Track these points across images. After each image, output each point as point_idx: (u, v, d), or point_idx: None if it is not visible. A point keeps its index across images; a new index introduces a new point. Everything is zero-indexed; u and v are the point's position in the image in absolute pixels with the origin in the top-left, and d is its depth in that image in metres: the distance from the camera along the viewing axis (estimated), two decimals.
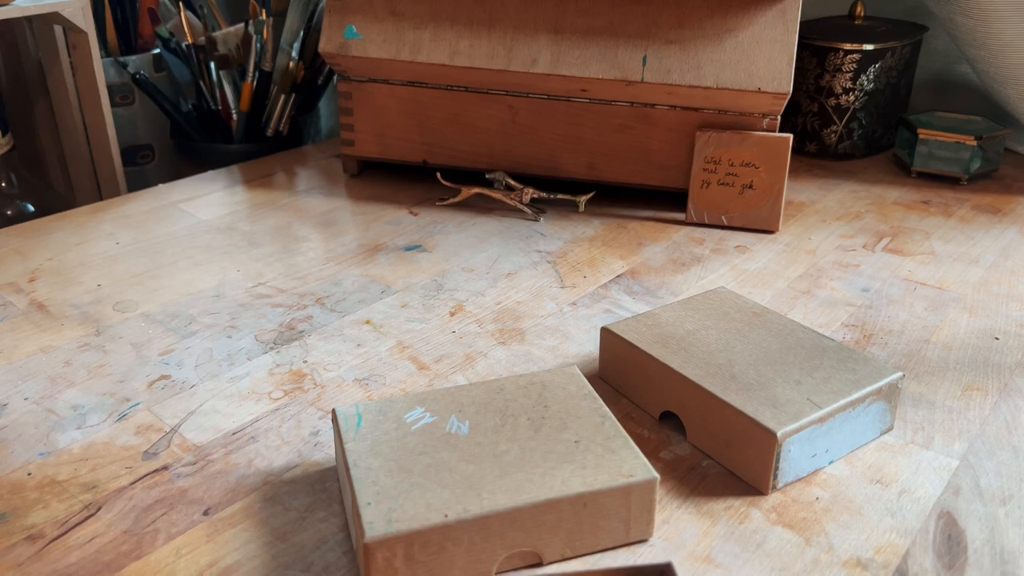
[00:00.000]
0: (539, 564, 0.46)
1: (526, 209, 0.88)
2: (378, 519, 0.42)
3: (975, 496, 0.51)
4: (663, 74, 0.81)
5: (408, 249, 0.81)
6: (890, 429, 0.56)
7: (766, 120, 0.84)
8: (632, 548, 0.47)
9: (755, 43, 0.81)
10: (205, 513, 0.49)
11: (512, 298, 0.73)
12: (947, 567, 0.46)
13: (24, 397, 0.59)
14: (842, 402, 0.51)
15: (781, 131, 1.01)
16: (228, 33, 1.16)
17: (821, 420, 0.51)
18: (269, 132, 1.13)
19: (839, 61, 1.00)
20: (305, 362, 0.63)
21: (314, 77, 1.19)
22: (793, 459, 0.50)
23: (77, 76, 1.06)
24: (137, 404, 0.59)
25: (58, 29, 1.05)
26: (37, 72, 1.12)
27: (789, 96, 0.80)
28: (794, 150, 1.07)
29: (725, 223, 0.86)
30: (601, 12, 0.83)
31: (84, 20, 1.01)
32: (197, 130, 1.17)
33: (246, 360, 0.64)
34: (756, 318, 0.60)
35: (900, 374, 0.54)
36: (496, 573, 0.45)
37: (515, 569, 0.45)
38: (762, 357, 0.56)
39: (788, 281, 0.76)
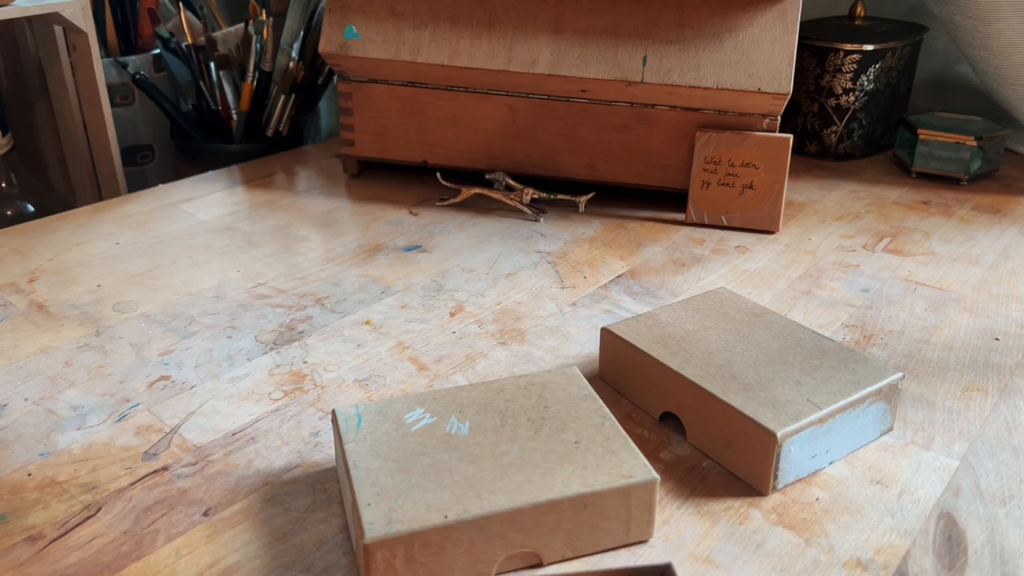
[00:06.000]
0: (539, 565, 0.46)
1: (526, 209, 0.88)
2: (378, 520, 0.42)
3: (975, 497, 0.51)
4: (663, 74, 0.81)
5: (408, 249, 0.81)
6: (890, 430, 0.56)
7: (766, 120, 0.84)
8: (632, 549, 0.47)
9: (755, 43, 0.81)
10: (205, 514, 0.49)
11: (512, 298, 0.73)
12: (947, 568, 0.46)
13: (24, 397, 0.59)
14: (842, 403, 0.51)
15: (781, 131, 1.01)
16: (228, 33, 1.16)
17: (821, 421, 0.51)
18: (269, 132, 1.13)
19: (839, 61, 1.00)
20: (305, 362, 0.63)
21: (314, 77, 1.19)
22: (793, 460, 0.50)
23: (77, 76, 1.06)
24: (137, 405, 0.59)
25: (58, 29, 1.05)
26: (37, 72, 1.12)
27: (789, 96, 0.80)
28: (794, 150, 1.07)
29: (725, 223, 0.86)
30: (601, 12, 0.83)
31: (84, 20, 1.01)
32: (197, 130, 1.17)
33: (246, 360, 0.64)
34: (756, 318, 0.60)
35: (900, 375, 0.54)
36: (496, 574, 0.45)
37: (515, 570, 0.45)
38: (762, 357, 0.56)
39: (788, 281, 0.76)
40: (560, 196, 0.89)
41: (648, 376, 0.57)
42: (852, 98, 1.01)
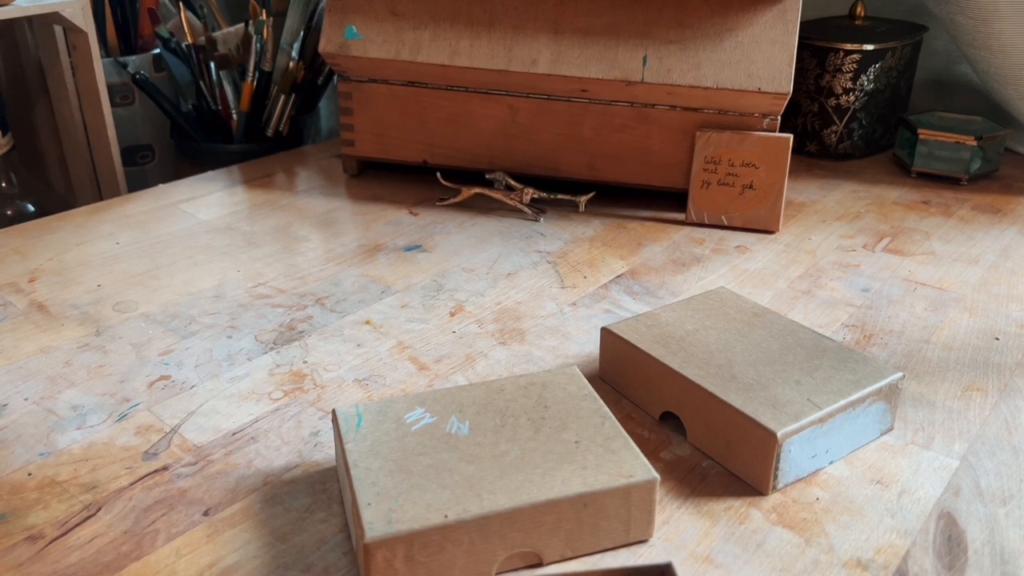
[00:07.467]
0: (539, 564, 0.46)
1: (526, 209, 0.88)
2: (378, 519, 0.42)
3: (975, 496, 0.51)
4: (663, 74, 0.81)
5: (408, 249, 0.81)
6: (890, 429, 0.56)
7: (766, 120, 0.84)
8: (632, 548, 0.47)
9: (755, 43, 0.81)
10: (205, 514, 0.49)
11: (512, 298, 0.73)
12: (947, 568, 0.46)
13: (24, 397, 0.59)
14: (842, 402, 0.51)
15: (781, 131, 1.01)
16: (228, 33, 1.16)
17: (821, 420, 0.51)
18: (269, 132, 1.13)
19: (839, 61, 1.00)
20: (305, 362, 0.63)
21: (314, 77, 1.19)
22: (793, 459, 0.50)
23: (77, 76, 1.06)
24: (137, 404, 0.59)
25: (58, 29, 1.05)
26: (37, 72, 1.12)
27: (789, 96, 0.80)
28: (794, 150, 1.07)
29: (725, 223, 0.86)
30: (601, 12, 0.83)
31: (84, 20, 1.01)
32: (197, 130, 1.17)
33: (246, 360, 0.64)
34: (756, 318, 0.60)
35: (900, 374, 0.54)
36: (496, 574, 0.45)
37: (515, 569, 0.45)
38: (762, 357, 0.56)
39: (788, 281, 0.76)
40: (560, 196, 0.89)
41: (648, 376, 0.57)
42: (852, 98, 1.01)
